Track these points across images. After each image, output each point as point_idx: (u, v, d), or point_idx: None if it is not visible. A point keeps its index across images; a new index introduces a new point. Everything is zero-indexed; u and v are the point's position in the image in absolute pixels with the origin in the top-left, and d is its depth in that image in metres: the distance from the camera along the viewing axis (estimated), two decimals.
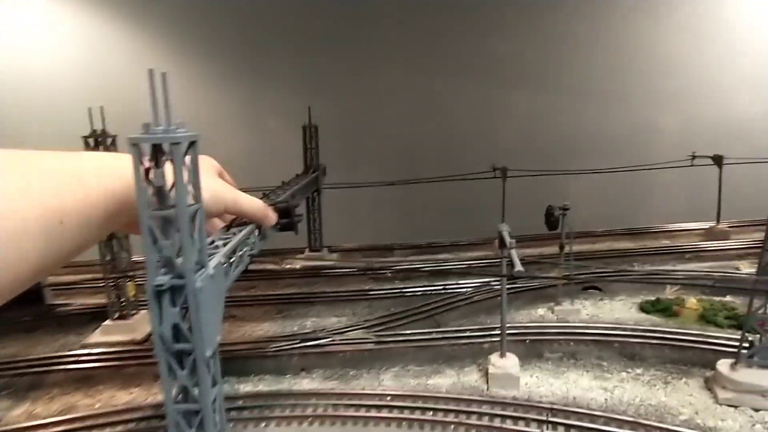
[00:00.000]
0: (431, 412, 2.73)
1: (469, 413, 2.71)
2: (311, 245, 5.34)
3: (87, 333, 3.85)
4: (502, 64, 6.71)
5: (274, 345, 3.45)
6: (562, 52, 6.71)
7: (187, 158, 1.06)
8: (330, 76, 6.55)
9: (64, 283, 4.84)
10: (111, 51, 6.36)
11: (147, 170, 1.02)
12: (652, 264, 4.90)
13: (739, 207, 5.65)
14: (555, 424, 2.61)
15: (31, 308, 4.27)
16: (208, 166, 1.46)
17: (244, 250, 1.60)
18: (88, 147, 3.47)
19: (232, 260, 1.44)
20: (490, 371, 3.02)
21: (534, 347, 3.40)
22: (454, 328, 3.66)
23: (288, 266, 4.97)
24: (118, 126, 3.43)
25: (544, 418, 2.61)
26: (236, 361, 3.30)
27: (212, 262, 1.26)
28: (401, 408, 2.78)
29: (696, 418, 2.67)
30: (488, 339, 3.43)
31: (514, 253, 2.43)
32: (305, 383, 3.17)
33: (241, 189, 1.42)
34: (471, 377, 3.16)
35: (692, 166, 5.74)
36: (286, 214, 2.06)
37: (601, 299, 4.15)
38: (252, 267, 1.84)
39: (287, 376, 3.25)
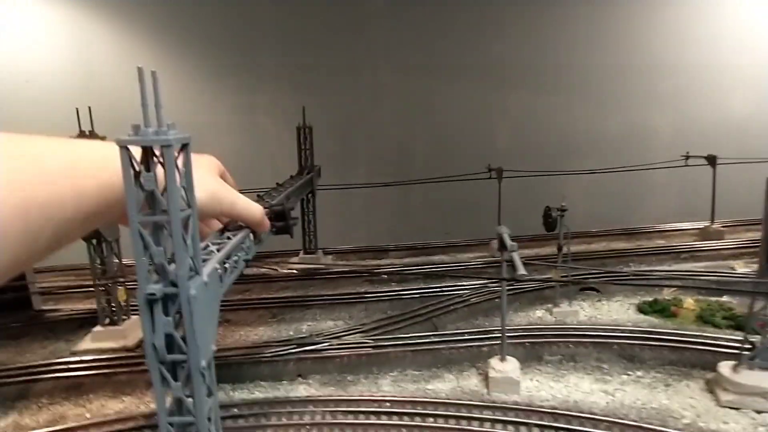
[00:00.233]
0: (432, 419, 2.68)
1: (470, 419, 2.66)
2: (306, 247, 5.28)
3: (77, 340, 3.75)
4: (497, 65, 6.69)
5: (270, 350, 3.38)
6: (557, 52, 6.72)
7: (180, 161, 1.01)
8: (324, 76, 6.50)
9: (53, 288, 4.74)
10: (99, 50, 6.25)
11: (137, 174, 0.97)
12: (649, 264, 4.89)
13: (732, 207, 5.67)
14: (558, 429, 2.57)
15: (19, 314, 4.15)
16: (210, 165, 1.41)
17: (239, 255, 1.55)
18: None
19: (226, 266, 1.39)
20: (490, 375, 2.98)
21: (534, 350, 3.36)
22: (453, 332, 3.61)
23: (286, 271, 4.90)
24: (107, 127, 3.34)
25: (547, 423, 2.57)
26: (230, 367, 3.22)
27: (206, 269, 1.20)
28: (401, 414, 2.73)
29: (698, 421, 2.64)
30: (487, 342, 3.39)
31: (516, 256, 2.39)
32: (302, 389, 3.11)
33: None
34: (471, 381, 3.11)
35: (686, 166, 5.76)
36: (281, 218, 2.02)
37: (599, 300, 4.13)
38: (247, 272, 1.79)
39: (283, 382, 3.18)
